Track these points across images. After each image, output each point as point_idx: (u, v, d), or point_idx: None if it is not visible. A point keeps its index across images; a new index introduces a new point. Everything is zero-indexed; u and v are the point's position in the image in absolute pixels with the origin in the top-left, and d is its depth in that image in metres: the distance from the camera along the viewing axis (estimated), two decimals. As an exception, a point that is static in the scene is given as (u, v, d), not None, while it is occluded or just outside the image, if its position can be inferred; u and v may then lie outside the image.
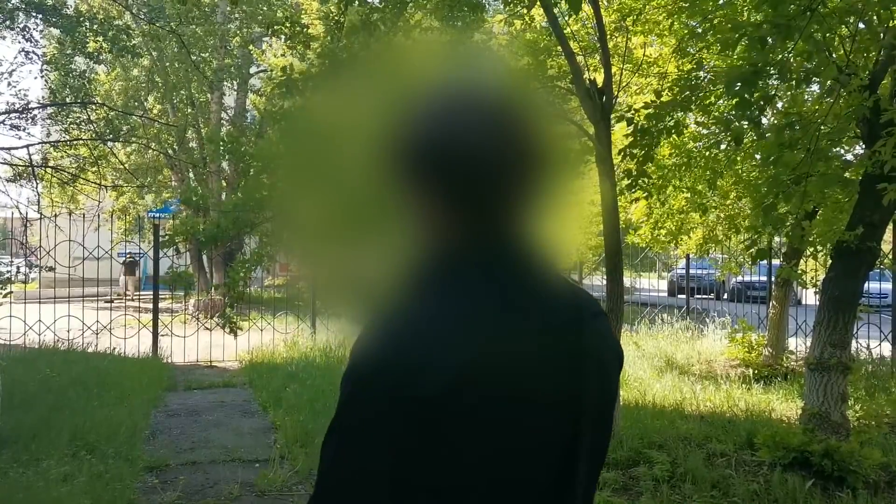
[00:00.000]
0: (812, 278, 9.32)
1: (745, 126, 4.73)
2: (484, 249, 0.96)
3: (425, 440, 0.86)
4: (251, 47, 16.44)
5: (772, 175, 4.59)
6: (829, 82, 4.72)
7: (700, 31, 5.72)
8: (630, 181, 5.77)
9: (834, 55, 5.06)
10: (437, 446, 0.87)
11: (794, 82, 4.60)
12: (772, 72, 4.33)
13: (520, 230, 0.97)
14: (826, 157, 4.57)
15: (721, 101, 7.10)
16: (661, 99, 5.62)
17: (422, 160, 0.95)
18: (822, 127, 4.68)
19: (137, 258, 17.51)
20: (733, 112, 4.69)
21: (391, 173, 0.98)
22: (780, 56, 4.27)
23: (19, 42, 11.98)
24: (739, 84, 4.10)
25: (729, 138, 5.42)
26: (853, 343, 6.41)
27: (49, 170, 12.86)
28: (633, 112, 5.78)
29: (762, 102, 4.35)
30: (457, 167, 0.93)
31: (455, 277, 0.95)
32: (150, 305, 10.69)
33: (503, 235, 0.96)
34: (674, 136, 5.98)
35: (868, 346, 9.47)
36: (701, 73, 6.07)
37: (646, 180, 5.88)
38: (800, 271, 8.60)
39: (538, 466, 0.95)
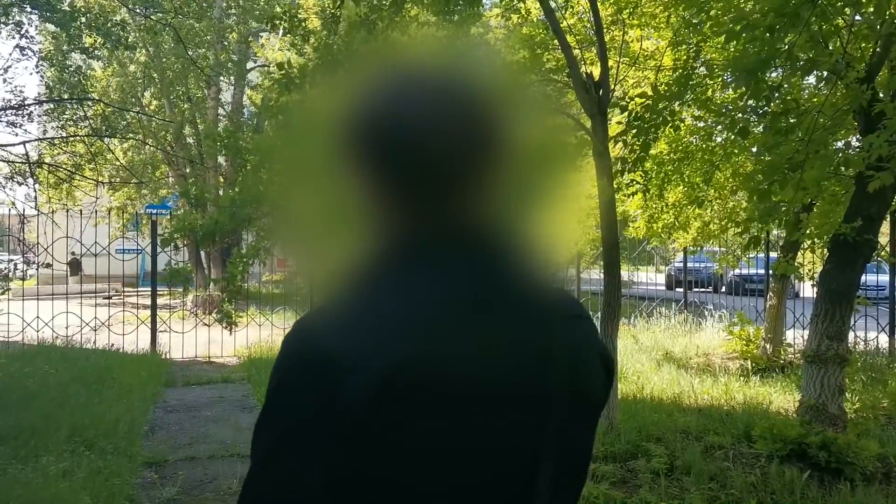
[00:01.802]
0: (809, 271, 9.33)
1: (750, 118, 4.73)
2: (439, 243, 0.89)
3: (355, 447, 0.79)
4: (249, 40, 16.41)
5: (767, 163, 4.58)
6: (825, 73, 4.72)
7: (696, 22, 5.72)
8: (622, 168, 5.77)
9: (829, 46, 5.06)
10: (369, 454, 0.80)
11: (799, 72, 4.58)
12: (778, 62, 4.31)
13: (484, 224, 0.91)
14: (824, 146, 4.56)
15: (718, 94, 7.11)
16: (659, 90, 5.62)
17: (369, 144, 0.89)
18: (821, 119, 4.68)
19: (79, 257, 17.22)
20: (731, 106, 4.68)
21: (343, 159, 0.92)
22: (786, 46, 4.26)
23: (14, 38, 11.95)
24: (747, 73, 4.09)
25: (729, 132, 5.41)
26: (850, 335, 6.43)
27: (45, 167, 12.84)
28: (628, 100, 5.78)
29: (773, 92, 4.34)
30: (405, 153, 0.87)
31: (401, 272, 0.88)
32: (149, 301, 10.69)
33: (462, 228, 0.89)
34: (670, 130, 5.99)
35: (865, 338, 9.49)
36: (697, 64, 6.07)
37: (642, 175, 5.88)
38: (797, 264, 8.61)
39: (495, 475, 0.87)
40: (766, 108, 4.44)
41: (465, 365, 0.84)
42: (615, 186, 6.57)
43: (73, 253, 12.63)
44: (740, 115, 4.85)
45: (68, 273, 17.58)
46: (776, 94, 4.60)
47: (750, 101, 4.57)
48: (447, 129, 0.88)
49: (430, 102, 0.89)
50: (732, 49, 5.92)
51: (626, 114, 5.64)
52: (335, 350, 0.81)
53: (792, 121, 4.46)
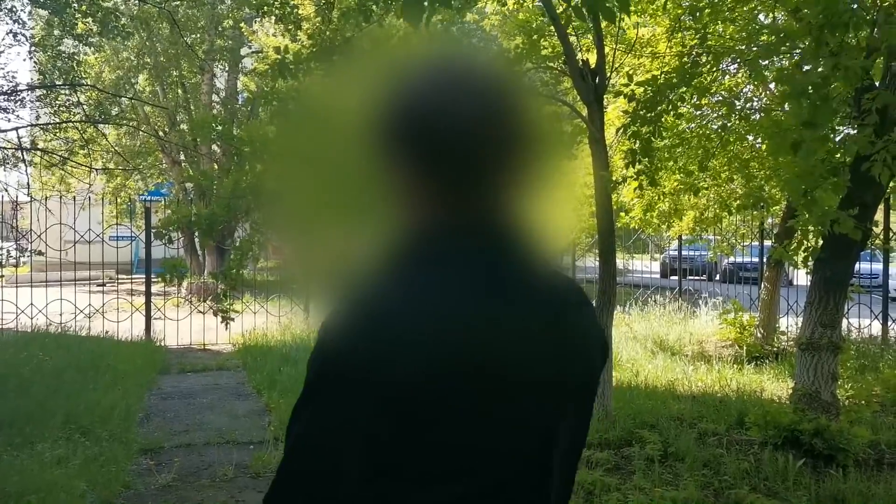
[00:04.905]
0: (804, 259, 9.34)
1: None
2: (466, 230, 0.92)
3: (398, 424, 0.83)
4: (242, 25, 16.28)
5: (807, 170, 4.55)
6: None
7: (697, 8, 5.69)
8: (632, 160, 5.75)
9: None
10: (411, 431, 0.84)
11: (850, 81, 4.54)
12: (833, 80, 4.27)
13: (506, 213, 0.94)
14: (867, 146, 4.54)
15: (718, 83, 7.09)
16: (659, 82, 5.61)
17: (402, 134, 0.92)
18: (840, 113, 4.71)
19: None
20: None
21: (372, 148, 0.94)
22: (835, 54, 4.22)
23: (7, 23, 11.84)
24: (800, 94, 4.07)
25: (778, 153, 5.37)
26: (844, 323, 6.45)
27: (38, 153, 12.75)
28: (633, 88, 5.76)
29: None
30: (438, 143, 0.90)
31: (434, 258, 0.91)
32: (143, 288, 10.66)
33: (487, 217, 0.93)
34: (669, 117, 5.98)
35: (859, 325, 9.54)
36: (700, 51, 6.05)
37: (647, 164, 5.87)
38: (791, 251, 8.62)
39: (517, 451, 0.92)
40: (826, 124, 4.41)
41: (498, 350, 0.89)
42: (620, 178, 6.56)
43: None
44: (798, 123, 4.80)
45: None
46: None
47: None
48: (477, 119, 0.91)
49: (461, 94, 0.92)
50: (733, 35, 5.90)
51: (633, 103, 5.63)
52: (374, 334, 0.84)
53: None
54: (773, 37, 4.42)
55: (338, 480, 0.85)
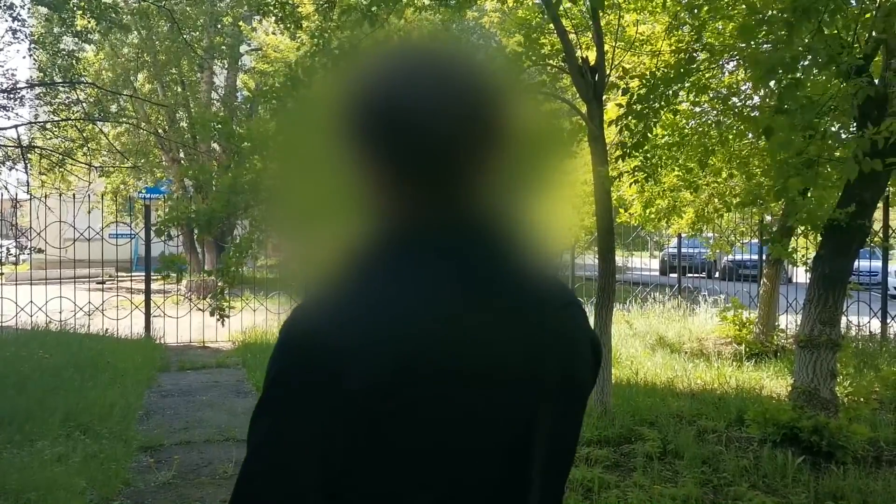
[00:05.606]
0: (803, 256, 9.36)
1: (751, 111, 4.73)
2: (440, 229, 0.88)
3: (366, 431, 0.80)
4: (241, 24, 16.27)
5: (782, 160, 4.56)
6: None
7: (695, 5, 5.70)
8: (622, 153, 5.75)
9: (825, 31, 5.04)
10: (372, 442, 0.80)
11: (823, 69, 4.54)
12: (801, 60, 4.27)
13: (486, 211, 0.90)
14: (840, 140, 4.56)
15: (716, 81, 7.08)
16: (657, 77, 5.61)
17: (373, 128, 0.88)
18: (834, 110, 4.70)
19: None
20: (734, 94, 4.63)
21: (346, 143, 0.91)
22: (805, 41, 4.23)
23: (6, 20, 11.84)
24: (767, 73, 4.07)
25: (748, 131, 5.35)
26: (843, 320, 6.45)
27: (37, 151, 12.75)
28: (628, 81, 5.75)
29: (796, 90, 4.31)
30: (409, 138, 0.86)
31: (404, 257, 0.87)
32: (143, 286, 10.66)
33: (464, 216, 0.89)
34: (667, 114, 5.97)
35: (858, 323, 9.54)
36: (697, 47, 6.05)
37: (642, 161, 5.87)
38: (791, 249, 8.62)
39: (490, 460, 0.88)
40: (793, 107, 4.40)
41: (466, 351, 0.85)
42: (617, 173, 6.57)
43: None
44: (751, 109, 4.82)
45: None
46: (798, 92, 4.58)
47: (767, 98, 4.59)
48: (450, 112, 0.87)
49: (432, 86, 0.88)
50: (732, 32, 5.90)
51: (626, 96, 5.62)
52: (338, 338, 0.81)
53: (809, 115, 4.45)
54: (751, 18, 4.40)
55: (298, 493, 0.82)
